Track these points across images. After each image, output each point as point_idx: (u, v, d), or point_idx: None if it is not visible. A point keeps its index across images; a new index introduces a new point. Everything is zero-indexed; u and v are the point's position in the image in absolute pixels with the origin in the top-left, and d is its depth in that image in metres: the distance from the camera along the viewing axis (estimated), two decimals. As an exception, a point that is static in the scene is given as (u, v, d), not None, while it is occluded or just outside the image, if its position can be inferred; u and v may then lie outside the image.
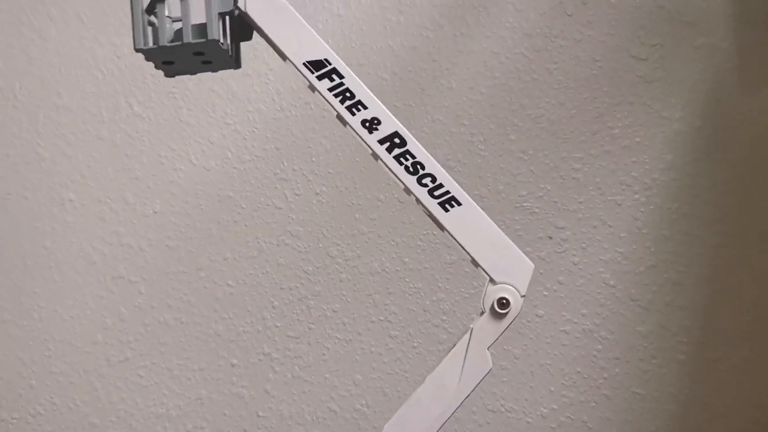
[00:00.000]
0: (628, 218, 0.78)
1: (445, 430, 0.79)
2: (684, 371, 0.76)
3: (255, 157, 0.85)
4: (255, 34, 0.47)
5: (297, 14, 0.45)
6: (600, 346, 0.78)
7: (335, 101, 0.46)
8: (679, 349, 0.76)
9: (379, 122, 0.46)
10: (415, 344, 0.81)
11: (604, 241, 0.79)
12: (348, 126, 0.46)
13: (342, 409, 0.81)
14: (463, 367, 0.45)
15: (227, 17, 0.44)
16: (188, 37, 0.43)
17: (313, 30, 0.45)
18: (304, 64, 0.45)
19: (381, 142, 0.46)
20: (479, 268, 0.47)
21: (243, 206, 0.84)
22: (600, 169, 0.79)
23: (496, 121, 0.81)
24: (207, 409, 0.83)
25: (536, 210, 0.80)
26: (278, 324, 0.83)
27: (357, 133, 0.46)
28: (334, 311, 0.82)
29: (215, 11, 0.43)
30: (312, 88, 0.46)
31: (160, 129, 0.86)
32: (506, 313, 0.45)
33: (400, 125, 0.46)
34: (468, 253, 0.46)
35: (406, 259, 0.81)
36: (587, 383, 0.78)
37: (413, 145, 0.46)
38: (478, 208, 0.47)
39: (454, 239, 0.46)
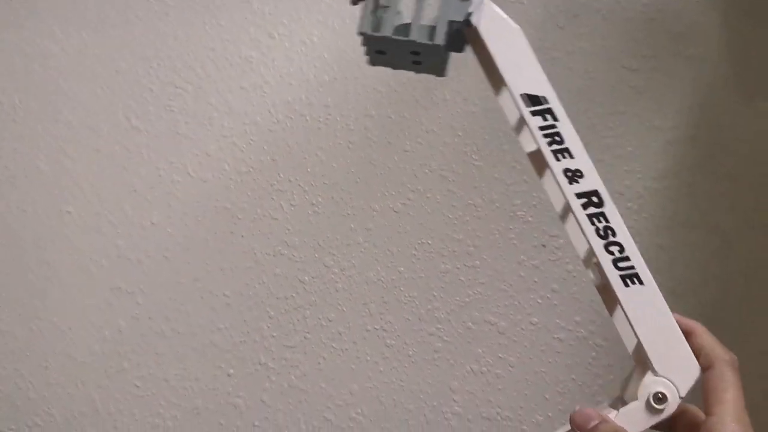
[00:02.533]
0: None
1: (440, 439, 0.80)
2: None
3: (251, 169, 0.86)
4: (468, 49, 0.46)
5: (527, 42, 0.44)
6: (594, 354, 0.78)
7: (543, 141, 0.43)
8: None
9: (582, 175, 0.43)
10: (411, 353, 0.81)
11: (597, 249, 0.79)
12: (548, 169, 0.44)
13: (338, 418, 0.81)
14: None
15: (454, 26, 0.43)
16: (415, 36, 0.43)
17: (539, 64, 0.44)
18: (522, 95, 0.44)
19: (579, 195, 0.43)
20: (642, 354, 0.44)
21: (240, 217, 0.85)
22: (593, 178, 0.80)
23: (490, 132, 0.82)
24: (203, 420, 0.83)
25: (530, 219, 0.81)
26: (274, 334, 0.83)
27: (556, 179, 0.43)
28: (329, 320, 0.83)
29: (447, 18, 0.43)
30: (521, 121, 0.44)
31: (157, 142, 0.87)
32: (661, 410, 0.42)
33: (602, 185, 0.43)
34: (637, 335, 0.43)
35: (401, 269, 0.82)
36: (582, 390, 0.78)
37: (610, 208, 0.43)
38: (660, 293, 0.44)
39: (626, 317, 0.43)
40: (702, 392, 0.41)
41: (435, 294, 0.81)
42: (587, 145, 0.79)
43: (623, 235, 0.44)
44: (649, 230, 0.79)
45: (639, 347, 0.43)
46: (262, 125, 0.86)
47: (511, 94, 0.44)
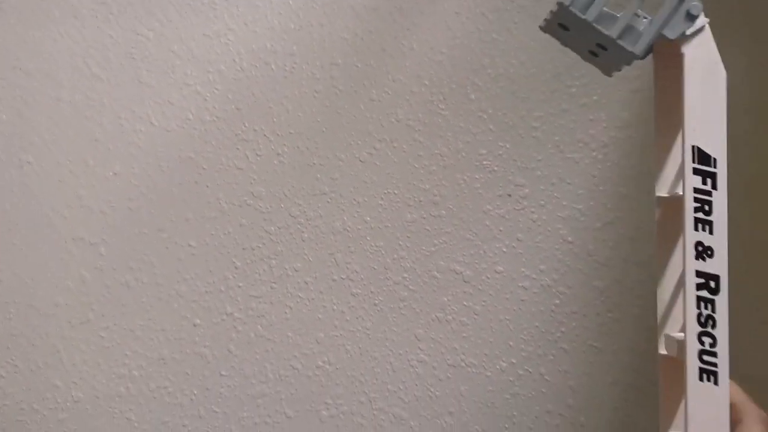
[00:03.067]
0: (585, 175, 0.79)
1: (405, 385, 0.81)
2: (640, 325, 0.78)
3: (216, 118, 0.84)
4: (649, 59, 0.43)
5: (725, 93, 0.40)
6: (558, 301, 0.79)
7: (690, 204, 0.41)
8: (635, 303, 0.78)
9: (712, 255, 0.41)
10: (377, 302, 0.81)
11: (562, 198, 0.80)
12: (681, 236, 0.42)
13: (304, 366, 0.82)
14: None
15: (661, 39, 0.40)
16: (615, 33, 0.40)
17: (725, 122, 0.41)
18: (693, 146, 0.41)
19: (699, 274, 0.41)
20: None
21: (204, 167, 0.84)
22: (558, 128, 0.80)
23: (457, 81, 0.82)
24: (169, 369, 0.83)
25: (495, 168, 0.81)
26: (240, 284, 0.83)
27: (684, 247, 0.41)
28: (295, 270, 0.83)
29: (660, 31, 0.40)
30: (680, 172, 0.42)
31: (119, 91, 0.85)
32: None
33: (726, 272, 0.41)
34: (686, 427, 0.42)
35: (368, 218, 0.82)
36: (545, 337, 0.79)
37: (723, 299, 0.41)
38: (728, 401, 0.42)
39: (686, 406, 0.41)
40: None
41: (401, 243, 0.81)
42: (552, 93, 0.80)
43: (723, 331, 0.42)
44: (613, 180, 0.79)
45: None
46: (226, 74, 0.84)
47: (683, 138, 0.41)
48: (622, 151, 0.79)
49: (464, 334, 0.80)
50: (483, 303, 0.80)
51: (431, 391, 0.80)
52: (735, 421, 0.42)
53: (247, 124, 0.84)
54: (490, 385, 0.79)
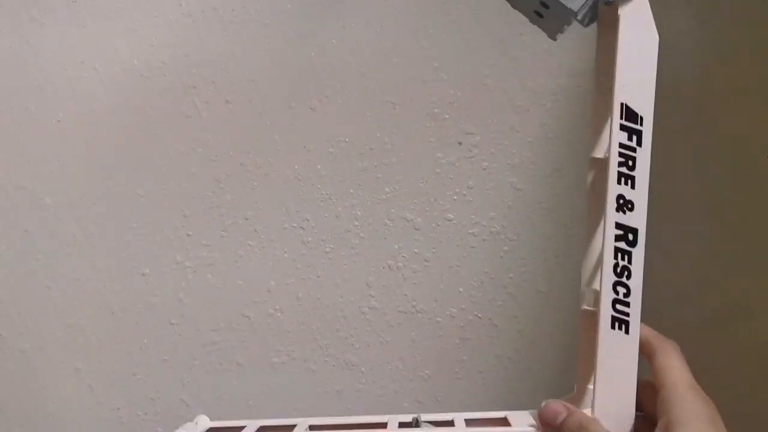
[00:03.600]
0: (535, 124, 0.80)
1: (356, 332, 0.81)
2: (585, 269, 0.79)
3: (162, 64, 0.82)
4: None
5: (656, 58, 0.41)
6: (507, 248, 0.80)
7: (615, 158, 0.42)
8: (581, 249, 0.79)
9: (632, 209, 0.42)
10: (328, 250, 0.81)
11: (512, 146, 0.80)
12: (606, 186, 0.42)
13: (256, 314, 0.82)
14: None
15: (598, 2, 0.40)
16: None
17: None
18: (623, 103, 0.42)
19: (618, 226, 0.42)
20: (591, 389, 0.43)
21: (151, 115, 0.83)
22: (509, 76, 0.80)
23: (409, 28, 0.81)
24: (118, 319, 0.83)
25: (446, 116, 0.81)
26: (190, 233, 0.82)
27: (606, 199, 0.42)
28: (246, 219, 0.82)
29: None
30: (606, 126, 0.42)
31: (61, 36, 0.83)
32: None
33: (644, 227, 0.42)
34: (595, 373, 0.42)
35: (319, 166, 0.81)
36: (494, 283, 0.80)
37: (639, 253, 0.42)
38: (637, 351, 0.43)
39: (597, 353, 0.42)
40: (653, 376, 0.42)
41: (352, 191, 0.81)
42: (503, 42, 0.80)
43: (637, 283, 0.43)
44: (562, 128, 0.80)
45: (594, 383, 0.43)
46: (172, 19, 0.82)
47: (614, 95, 0.42)
48: (572, 100, 0.80)
49: (415, 281, 0.81)
50: (433, 250, 0.81)
51: (382, 338, 0.81)
52: (649, 355, 0.43)
53: (194, 71, 0.82)
54: (441, 331, 0.80)
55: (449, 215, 0.80)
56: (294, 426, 0.41)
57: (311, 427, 0.41)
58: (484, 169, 0.80)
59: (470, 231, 0.80)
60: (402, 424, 0.42)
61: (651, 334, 0.44)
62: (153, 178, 0.82)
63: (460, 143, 0.81)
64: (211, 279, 0.82)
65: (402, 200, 0.81)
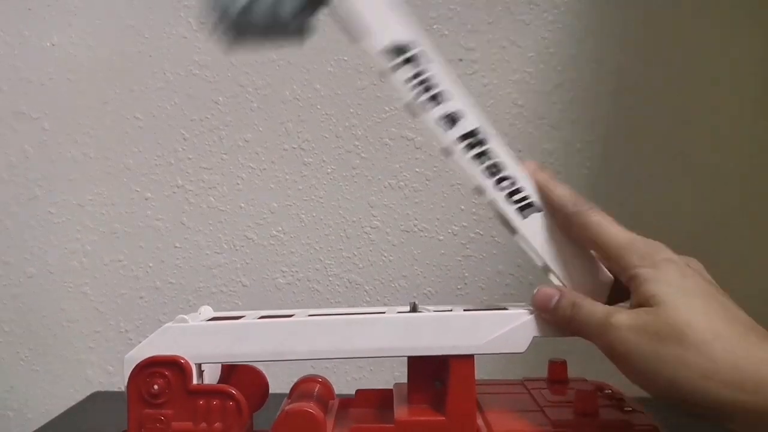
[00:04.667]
0: (536, 38, 0.79)
1: (359, 251, 0.82)
2: (587, 184, 0.79)
3: (156, -16, 0.81)
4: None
5: None
6: (508, 165, 0.80)
7: (411, 93, 0.42)
8: (583, 164, 0.79)
9: (460, 117, 0.41)
10: (329, 170, 0.81)
11: (513, 62, 0.79)
12: (426, 117, 0.42)
13: (259, 236, 0.82)
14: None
15: None
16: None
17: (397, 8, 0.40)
18: (384, 50, 0.41)
19: (461, 138, 0.41)
20: (551, 274, 0.42)
21: (146, 36, 0.81)
22: (509, -11, 0.79)
23: (406, -58, 0.79)
24: (122, 243, 0.83)
25: (446, 32, 0.79)
26: (190, 156, 0.82)
27: (436, 127, 0.41)
28: (246, 141, 0.82)
29: None
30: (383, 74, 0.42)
31: (51, -44, 0.81)
32: None
33: (484, 121, 0.41)
34: (543, 258, 0.42)
35: (318, 86, 0.81)
36: (496, 200, 0.80)
37: (494, 143, 0.42)
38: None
39: (530, 245, 0.42)
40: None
41: (352, 111, 0.81)
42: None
43: (513, 168, 0.42)
44: (564, 42, 0.79)
45: (546, 268, 0.43)
46: (164, -64, 0.80)
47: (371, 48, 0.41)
48: (573, 13, 0.78)
49: (416, 200, 0.81)
50: (435, 169, 0.80)
51: (385, 256, 0.81)
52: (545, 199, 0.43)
53: (189, -10, 0.80)
54: (443, 249, 0.81)
55: (450, 133, 0.80)
56: (293, 314, 0.42)
57: (311, 315, 0.42)
58: (485, 85, 0.80)
59: (471, 148, 0.80)
60: (400, 312, 0.42)
61: (541, 177, 0.43)
62: (151, 102, 0.82)
63: (460, 60, 0.80)
64: (213, 202, 0.82)
65: (402, 119, 0.80)
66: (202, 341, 0.40)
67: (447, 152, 0.43)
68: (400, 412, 0.41)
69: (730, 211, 0.78)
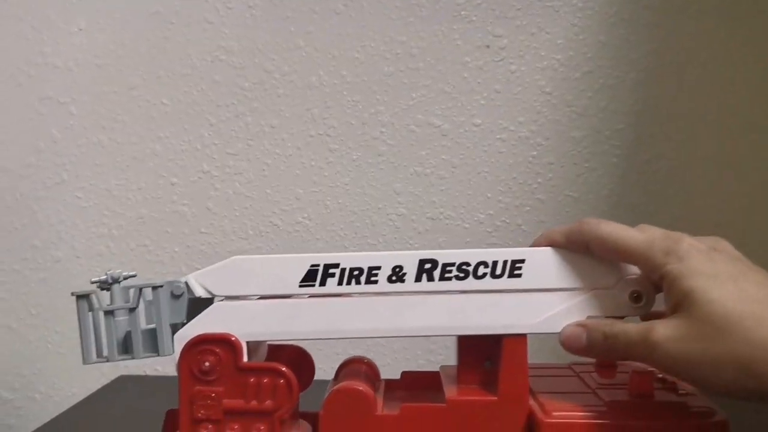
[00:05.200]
0: (565, 24, 0.78)
1: (384, 238, 0.81)
2: (615, 173, 0.78)
3: (183, -31, 0.81)
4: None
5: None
6: (535, 153, 0.79)
7: (352, 289, 0.40)
8: (612, 152, 0.78)
9: (401, 267, 0.40)
10: (355, 157, 0.81)
11: (541, 49, 0.78)
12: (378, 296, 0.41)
13: (284, 222, 0.82)
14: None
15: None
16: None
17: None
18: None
19: (417, 279, 0.40)
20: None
21: (173, 22, 0.81)
22: (539, -25, 0.78)
23: (434, -73, 0.78)
24: (149, 228, 0.83)
25: (474, 18, 0.79)
26: (216, 142, 0.82)
27: (390, 293, 0.41)
28: (272, 127, 0.81)
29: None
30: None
31: (79, -59, 0.81)
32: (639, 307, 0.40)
33: (418, 252, 0.40)
34: (564, 288, 0.40)
35: (344, 72, 0.80)
36: (522, 188, 0.80)
37: (442, 255, 0.40)
38: (543, 249, 0.41)
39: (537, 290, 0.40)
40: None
41: (378, 97, 0.80)
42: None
43: (472, 254, 0.41)
44: (593, 28, 0.77)
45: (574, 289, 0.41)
46: None
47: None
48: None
49: (442, 188, 0.80)
50: (461, 156, 0.80)
51: (410, 244, 0.81)
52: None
53: (216, -24, 0.80)
54: (468, 237, 0.80)
55: (477, 120, 0.79)
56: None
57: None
58: (513, 72, 0.79)
59: (498, 136, 0.79)
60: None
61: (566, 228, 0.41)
62: (177, 88, 0.82)
63: (487, 46, 0.79)
64: (239, 188, 0.82)
65: (429, 106, 0.80)
66: (253, 319, 0.40)
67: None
68: (451, 391, 0.40)
69: (763, 201, 0.77)
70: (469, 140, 0.80)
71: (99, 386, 0.79)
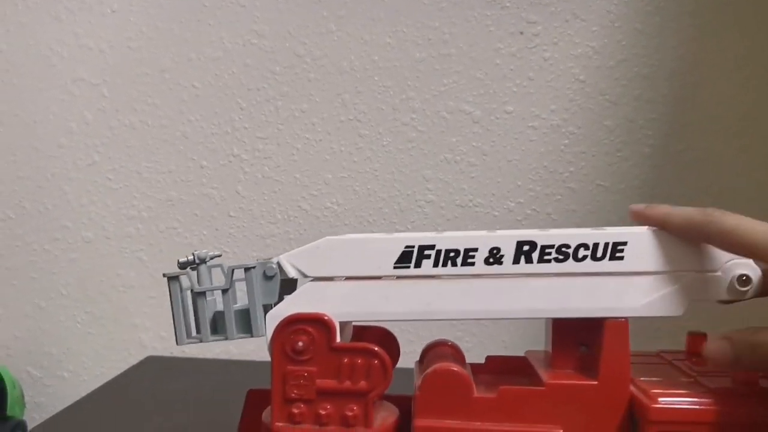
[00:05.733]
0: (601, 11, 0.77)
1: (413, 225, 0.81)
2: (648, 163, 0.77)
3: (216, -48, 0.80)
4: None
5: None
6: (567, 141, 0.78)
7: (448, 271, 0.39)
8: (645, 142, 0.77)
9: (499, 249, 0.39)
10: (385, 143, 0.81)
11: (575, 36, 0.77)
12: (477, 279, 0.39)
13: (313, 207, 0.82)
14: None
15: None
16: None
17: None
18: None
19: (516, 261, 0.39)
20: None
21: (206, 5, 0.81)
22: (574, -39, 0.77)
23: None
24: (178, 210, 0.84)
25: (507, 4, 0.78)
26: (246, 125, 0.82)
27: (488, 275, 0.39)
28: (302, 112, 0.81)
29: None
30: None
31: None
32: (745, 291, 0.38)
33: (516, 231, 0.38)
34: (668, 271, 0.39)
35: (375, 57, 0.80)
36: (553, 177, 0.79)
37: (541, 237, 0.39)
38: (645, 231, 0.39)
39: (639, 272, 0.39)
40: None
41: (410, 83, 0.80)
42: None
43: (571, 236, 0.39)
44: (629, 15, 0.76)
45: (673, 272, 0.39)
46: None
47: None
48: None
49: (473, 175, 0.80)
50: (492, 143, 0.79)
51: (438, 231, 0.80)
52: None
53: (248, -41, 0.80)
54: (498, 225, 0.80)
55: (509, 108, 0.79)
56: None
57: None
58: (546, 59, 0.78)
59: (530, 124, 0.79)
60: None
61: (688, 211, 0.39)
62: (208, 71, 0.82)
63: (521, 33, 0.78)
64: (268, 172, 0.82)
65: (460, 92, 0.79)
66: (346, 299, 0.39)
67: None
68: (548, 375, 0.39)
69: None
70: (500, 128, 0.79)
71: (127, 366, 0.80)
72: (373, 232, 0.81)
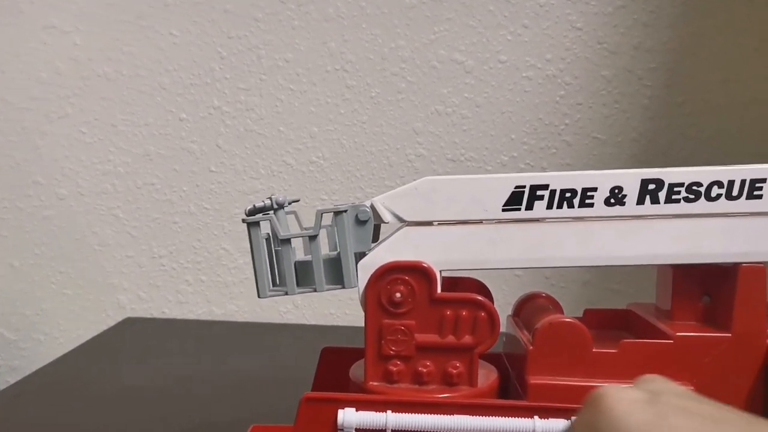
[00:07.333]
0: (599, -44, 0.73)
1: (402, 180, 0.78)
2: (646, 115, 0.75)
3: None
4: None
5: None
6: (563, 92, 0.75)
7: (563, 213, 0.36)
8: (644, 93, 0.74)
9: (621, 188, 0.35)
10: (373, 94, 0.77)
11: (572, -19, 0.74)
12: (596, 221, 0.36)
13: (297, 161, 0.79)
14: None
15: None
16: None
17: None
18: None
19: (640, 201, 0.35)
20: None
21: (183, -53, 0.77)
22: None
23: None
24: (156, 165, 0.80)
25: (502, -52, 0.74)
26: (227, 76, 0.78)
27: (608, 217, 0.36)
28: (286, 61, 0.77)
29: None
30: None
31: None
32: None
33: (639, 170, 0.35)
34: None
35: (363, 4, 0.76)
36: (548, 130, 0.76)
37: (669, 174, 0.35)
38: None
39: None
40: None
41: (399, 31, 0.76)
42: None
43: (692, 173, 0.36)
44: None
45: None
46: None
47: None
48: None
49: (465, 128, 0.77)
50: (485, 94, 0.76)
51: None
52: None
53: None
54: (490, 180, 0.77)
55: (502, 57, 0.75)
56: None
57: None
58: (541, 6, 0.75)
59: (524, 74, 0.75)
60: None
61: None
62: (187, 17, 0.78)
63: (515, -22, 0.75)
64: (251, 125, 0.79)
65: (452, 41, 0.76)
66: (448, 246, 0.36)
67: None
68: (673, 328, 0.36)
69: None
70: (493, 78, 0.76)
71: (105, 327, 0.77)
72: (360, 187, 0.78)
